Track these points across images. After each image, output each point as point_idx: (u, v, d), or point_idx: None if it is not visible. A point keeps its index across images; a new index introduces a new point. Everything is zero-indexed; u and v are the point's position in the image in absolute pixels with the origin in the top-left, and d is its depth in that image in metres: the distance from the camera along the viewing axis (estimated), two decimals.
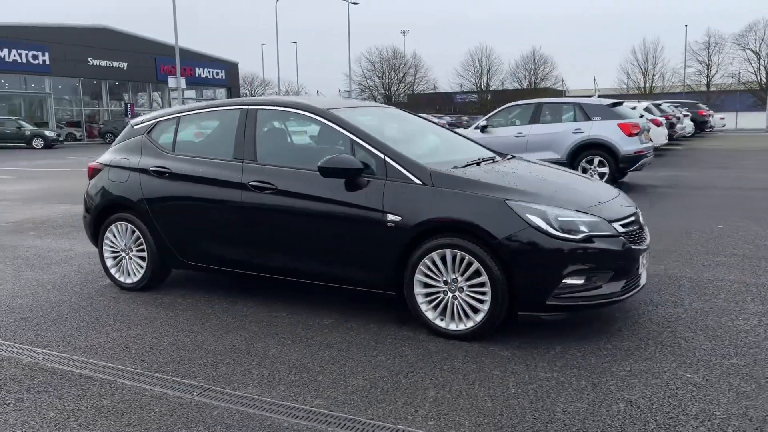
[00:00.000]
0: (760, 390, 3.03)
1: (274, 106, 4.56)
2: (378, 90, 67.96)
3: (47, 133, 32.32)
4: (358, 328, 4.03)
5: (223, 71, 49.48)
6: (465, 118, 45.05)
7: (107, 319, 4.31)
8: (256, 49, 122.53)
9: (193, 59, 45.87)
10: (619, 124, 10.35)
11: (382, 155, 3.99)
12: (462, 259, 3.68)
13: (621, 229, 3.73)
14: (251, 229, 4.36)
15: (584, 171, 10.51)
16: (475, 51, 76.75)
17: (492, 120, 11.56)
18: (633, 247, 3.75)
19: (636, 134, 10.35)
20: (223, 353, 3.67)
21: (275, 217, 4.25)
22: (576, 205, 3.71)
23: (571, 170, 4.87)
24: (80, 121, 41.60)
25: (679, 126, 21.53)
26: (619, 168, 10.35)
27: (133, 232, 4.89)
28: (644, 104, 18.33)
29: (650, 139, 11.99)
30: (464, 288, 3.72)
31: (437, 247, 3.73)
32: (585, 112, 10.66)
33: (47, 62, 38.18)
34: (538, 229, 3.54)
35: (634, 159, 10.33)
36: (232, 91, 50.56)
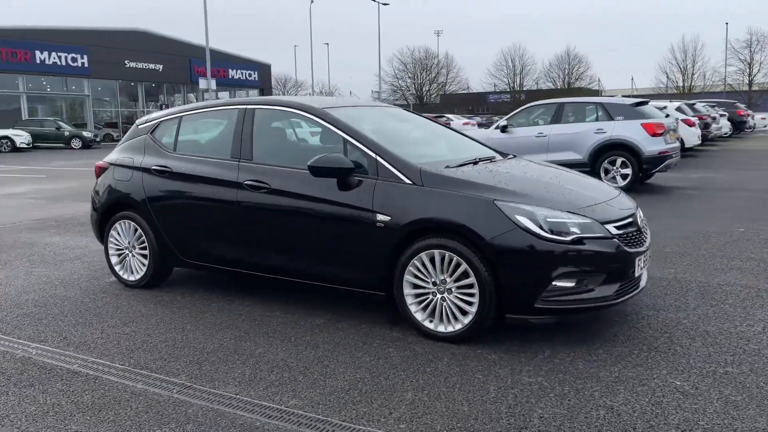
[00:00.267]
0: (751, 400, 2.91)
1: (271, 105, 4.57)
2: (409, 90, 67.82)
3: (85, 133, 33.13)
4: (349, 329, 4.00)
5: (256, 72, 50.05)
6: (496, 118, 44.66)
7: (105, 316, 4.38)
8: (288, 51, 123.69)
9: (226, 61, 46.54)
10: (642, 124, 10.09)
11: (373, 155, 3.96)
12: (450, 260, 3.62)
13: (615, 231, 3.62)
14: (246, 228, 4.38)
15: (606, 172, 10.29)
16: (508, 51, 76.13)
17: (513, 120, 11.40)
18: (627, 249, 3.64)
19: (660, 134, 10.08)
20: (210, 351, 3.69)
21: (269, 216, 4.25)
22: (568, 206, 3.62)
23: (573, 171, 4.75)
24: (117, 122, 42.56)
25: (714, 126, 20.92)
26: (642, 169, 10.08)
27: (136, 230, 4.96)
28: (675, 104, 17.86)
29: (678, 140, 11.69)
30: (453, 289, 3.66)
31: (426, 247, 3.68)
32: (608, 112, 10.43)
33: (86, 65, 39.15)
34: (526, 230, 3.46)
35: (659, 160, 10.05)
36: (265, 92, 51.08)
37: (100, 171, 5.30)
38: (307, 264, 4.17)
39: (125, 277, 5.09)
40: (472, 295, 3.59)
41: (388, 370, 3.35)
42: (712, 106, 23.89)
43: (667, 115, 11.34)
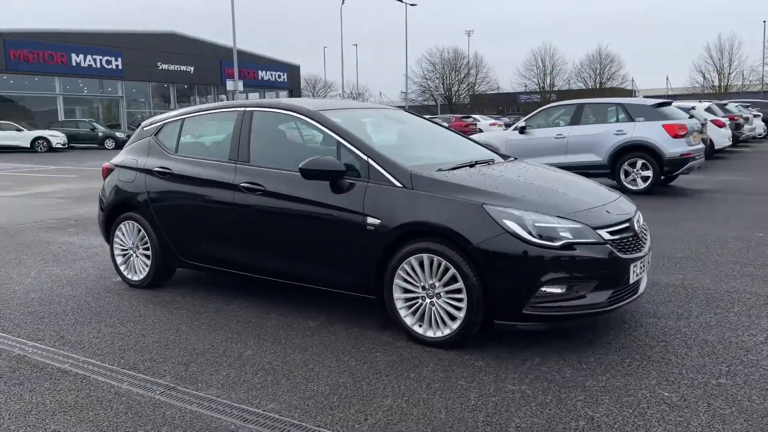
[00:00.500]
0: (740, 413, 2.80)
1: (268, 108, 4.59)
2: (437, 91, 67.56)
3: (118, 134, 33.82)
4: (340, 332, 3.99)
5: (285, 74, 50.48)
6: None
7: (104, 316, 4.45)
8: (317, 52, 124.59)
9: (255, 62, 47.04)
10: (664, 125, 9.85)
11: (365, 157, 3.94)
12: (439, 265, 3.58)
13: (607, 237, 3.53)
14: (243, 230, 4.40)
15: (626, 174, 10.08)
16: (538, 50, 75.30)
17: (531, 121, 11.25)
18: (621, 255, 3.54)
19: (683, 135, 9.83)
20: (199, 353, 3.71)
21: (264, 218, 4.27)
22: (559, 211, 3.54)
23: (574, 174, 4.65)
24: None
25: (747, 127, 20.32)
26: (663, 171, 9.85)
27: (139, 231, 5.02)
28: (705, 104, 17.41)
29: (705, 141, 11.41)
30: (442, 294, 3.62)
31: (415, 251, 3.65)
32: (628, 113, 10.22)
33: (120, 67, 40.01)
34: (514, 234, 3.40)
35: (680, 162, 9.80)
36: (294, 93, 51.49)
37: (107, 172, 5.39)
38: (300, 267, 4.17)
39: (129, 277, 5.16)
40: (460, 300, 3.54)
41: (372, 375, 3.32)
42: (746, 106, 23.22)
43: (691, 116, 11.05)
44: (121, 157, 5.32)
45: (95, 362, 3.60)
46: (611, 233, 3.57)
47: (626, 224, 3.72)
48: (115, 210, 5.20)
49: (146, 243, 4.99)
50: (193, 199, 4.65)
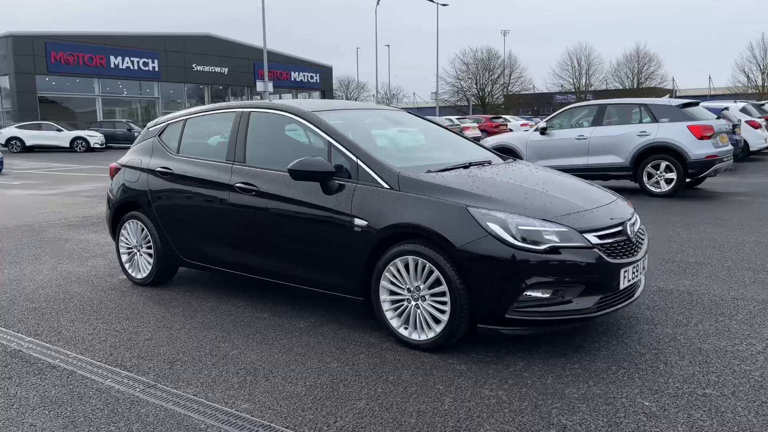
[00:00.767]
0: (721, 426, 2.70)
1: (264, 109, 4.61)
2: (470, 91, 67.08)
3: None
4: (329, 333, 3.98)
5: (318, 75, 50.84)
6: None
7: (103, 313, 4.53)
8: (350, 53, 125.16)
9: (288, 63, 47.52)
10: (689, 126, 9.58)
11: (354, 158, 3.93)
12: (424, 267, 3.55)
13: (595, 240, 3.44)
14: (239, 230, 4.43)
15: (650, 177, 9.84)
16: (574, 50, 74.16)
17: (552, 122, 11.07)
18: (610, 260, 3.45)
19: (709, 137, 9.55)
20: (186, 351, 3.75)
21: (257, 218, 4.29)
22: (545, 214, 3.46)
23: (572, 176, 4.54)
24: None
25: None
26: (687, 173, 9.58)
27: (143, 229, 5.11)
28: (740, 104, 16.88)
29: (736, 142, 11.08)
30: (426, 297, 3.58)
31: (401, 253, 3.62)
32: (652, 113, 9.97)
33: (156, 68, 40.90)
34: (497, 237, 3.34)
35: (706, 164, 9.52)
36: (326, 94, 51.83)
37: (114, 172, 5.50)
38: (291, 267, 4.18)
39: (133, 274, 5.26)
40: (444, 303, 3.50)
41: (351, 377, 3.31)
42: None
43: (719, 117, 10.72)
44: (127, 157, 5.42)
45: (84, 358, 3.67)
46: (600, 237, 3.48)
47: (618, 228, 3.62)
48: (121, 209, 5.30)
49: (149, 242, 5.07)
50: (192, 199, 4.70)
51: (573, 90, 66.14)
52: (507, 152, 11.07)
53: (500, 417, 2.83)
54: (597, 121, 10.47)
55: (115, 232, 5.41)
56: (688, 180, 9.90)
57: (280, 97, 41.26)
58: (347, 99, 77.72)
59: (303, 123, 4.30)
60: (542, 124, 11.12)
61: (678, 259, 5.71)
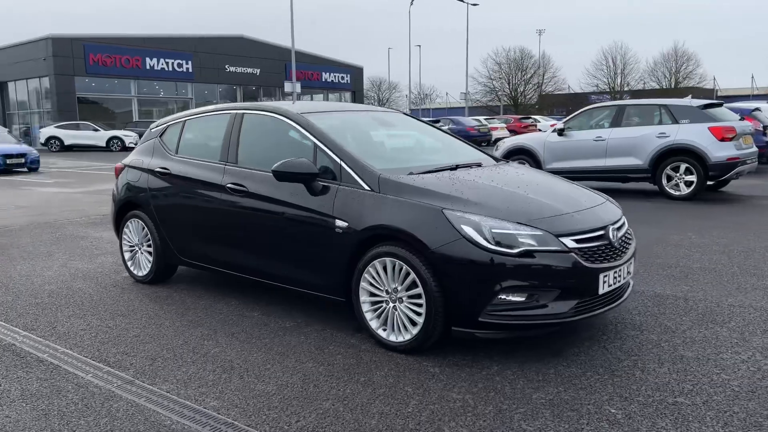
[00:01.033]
0: None
1: (256, 110, 4.67)
2: (502, 91, 66.48)
3: None
4: (312, 333, 4.02)
5: (349, 75, 51.02)
6: None
7: (100, 309, 4.65)
8: (382, 53, 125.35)
9: (318, 64, 47.78)
10: (710, 128, 9.34)
11: (338, 160, 3.95)
12: (401, 269, 3.55)
13: (572, 245, 3.39)
14: (229, 230, 4.50)
15: (669, 179, 9.64)
16: (609, 49, 72.85)
17: (570, 123, 10.91)
18: (587, 264, 3.40)
19: (731, 138, 9.30)
20: (170, 348, 3.82)
21: (247, 218, 4.35)
22: (521, 217, 3.43)
23: (562, 179, 4.48)
24: None
25: None
26: (708, 176, 9.35)
27: (143, 228, 5.23)
28: None
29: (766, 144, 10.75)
30: (404, 299, 3.59)
31: (379, 255, 3.63)
32: (672, 115, 9.75)
33: (190, 70, 41.59)
34: (470, 240, 3.32)
35: (727, 167, 9.27)
36: (356, 95, 51.99)
37: (119, 171, 5.63)
38: (277, 267, 4.23)
39: (135, 272, 5.38)
40: (420, 305, 3.50)
41: (323, 378, 3.34)
42: None
43: (742, 118, 10.42)
44: (131, 158, 5.56)
45: (72, 353, 3.77)
46: (578, 241, 3.43)
47: (598, 232, 3.56)
48: (124, 207, 5.43)
49: (149, 240, 5.19)
50: (187, 199, 4.80)
51: (608, 90, 64.99)
52: (524, 153, 10.99)
53: (461, 420, 2.82)
54: (616, 123, 10.29)
55: (118, 230, 5.55)
56: (709, 183, 9.65)
57: (311, 98, 41.55)
58: (379, 99, 77.83)
59: (291, 124, 4.35)
60: (560, 125, 10.97)
61: (682, 263, 5.58)
